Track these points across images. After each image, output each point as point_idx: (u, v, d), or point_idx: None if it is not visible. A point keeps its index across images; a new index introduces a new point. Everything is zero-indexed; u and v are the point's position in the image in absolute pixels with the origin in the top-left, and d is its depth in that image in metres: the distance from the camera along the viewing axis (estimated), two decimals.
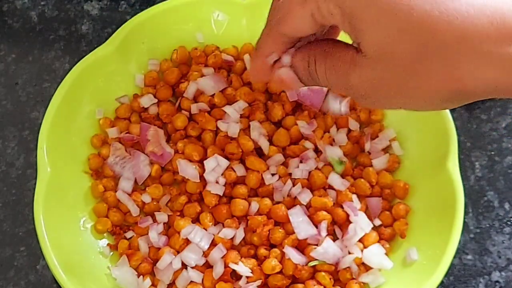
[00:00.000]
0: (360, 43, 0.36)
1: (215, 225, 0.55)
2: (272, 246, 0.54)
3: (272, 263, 0.52)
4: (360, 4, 0.35)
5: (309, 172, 0.56)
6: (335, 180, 0.55)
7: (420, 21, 0.33)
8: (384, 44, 0.35)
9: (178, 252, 0.53)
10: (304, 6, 0.37)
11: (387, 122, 0.59)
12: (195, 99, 0.59)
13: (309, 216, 0.54)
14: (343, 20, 0.36)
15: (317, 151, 0.57)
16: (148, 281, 0.53)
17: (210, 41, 0.61)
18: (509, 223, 0.58)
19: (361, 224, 0.53)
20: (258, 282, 0.52)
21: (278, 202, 0.55)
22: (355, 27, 0.36)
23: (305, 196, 0.54)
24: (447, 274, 0.51)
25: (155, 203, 0.56)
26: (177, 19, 0.60)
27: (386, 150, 0.58)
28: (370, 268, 0.53)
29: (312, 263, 0.52)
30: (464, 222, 0.53)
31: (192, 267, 0.53)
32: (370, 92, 0.37)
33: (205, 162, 0.55)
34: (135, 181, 0.57)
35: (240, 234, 0.54)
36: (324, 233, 0.53)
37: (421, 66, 0.34)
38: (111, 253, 0.55)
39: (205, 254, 0.53)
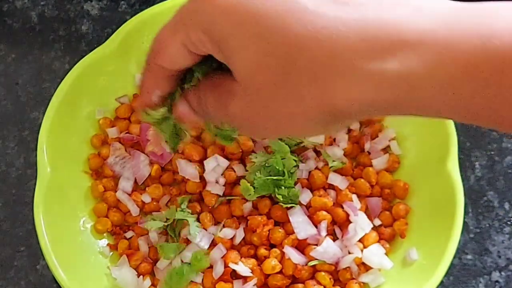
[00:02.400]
0: (233, 68, 0.34)
1: (215, 225, 0.55)
2: (272, 246, 0.54)
3: (272, 263, 0.52)
4: (227, 30, 0.33)
5: (309, 172, 0.56)
6: (335, 178, 0.55)
7: (286, 42, 0.31)
8: (252, 69, 0.33)
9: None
10: (174, 36, 0.36)
11: (387, 122, 0.59)
12: None
13: (309, 216, 0.54)
14: (213, 47, 0.34)
15: (317, 151, 0.57)
16: (148, 281, 0.53)
17: None
18: (509, 223, 0.58)
19: (361, 224, 0.53)
20: (255, 281, 0.52)
21: (278, 202, 0.55)
22: (225, 54, 0.34)
23: (305, 196, 0.54)
24: (447, 274, 0.51)
25: (155, 203, 0.56)
26: None
27: (386, 150, 0.58)
28: (370, 268, 0.53)
29: (312, 263, 0.52)
30: (464, 222, 0.53)
31: None
32: (247, 121, 0.36)
33: (205, 162, 0.55)
34: (135, 181, 0.57)
35: (240, 234, 0.54)
36: (324, 233, 0.53)
37: (290, 89, 0.32)
38: (111, 253, 0.55)
39: (205, 254, 0.53)
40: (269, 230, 0.53)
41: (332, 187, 0.56)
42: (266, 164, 0.54)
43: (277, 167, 0.53)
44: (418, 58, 0.30)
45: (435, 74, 0.30)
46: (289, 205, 0.53)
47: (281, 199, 0.53)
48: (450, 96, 0.30)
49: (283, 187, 0.53)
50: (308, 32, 0.31)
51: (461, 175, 0.53)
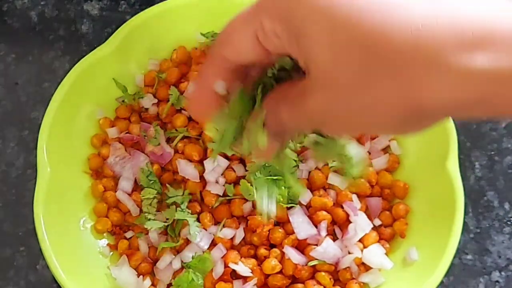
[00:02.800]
0: (308, 65, 0.33)
1: (215, 225, 0.55)
2: (272, 246, 0.54)
3: (272, 263, 0.52)
4: (307, 21, 0.31)
5: (309, 172, 0.56)
6: (335, 178, 0.55)
7: (369, 35, 0.30)
8: (333, 61, 0.32)
9: (178, 252, 0.53)
10: (246, 24, 0.34)
11: None
12: None
13: (309, 216, 0.54)
14: (289, 38, 0.33)
15: None
16: (148, 281, 0.53)
17: (210, 41, 0.61)
18: (509, 223, 0.58)
19: (361, 224, 0.53)
20: (255, 281, 0.52)
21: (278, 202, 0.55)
22: (302, 47, 0.32)
23: (305, 196, 0.54)
24: (447, 274, 0.51)
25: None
26: (177, 19, 0.60)
27: (386, 150, 0.58)
28: (370, 268, 0.53)
29: (312, 263, 0.52)
30: (464, 222, 0.53)
31: None
32: (327, 117, 0.34)
33: (205, 162, 0.55)
34: (135, 181, 0.57)
35: (240, 234, 0.54)
36: (324, 233, 0.53)
37: (374, 82, 0.31)
38: (111, 253, 0.55)
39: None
40: (269, 230, 0.53)
41: (332, 187, 0.56)
42: (266, 164, 0.54)
43: (277, 167, 0.53)
44: (508, 55, 0.29)
45: None
46: (289, 205, 0.53)
47: (281, 199, 0.53)
48: None
49: (283, 187, 0.53)
50: (393, 24, 0.30)
51: (461, 175, 0.53)
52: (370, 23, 0.30)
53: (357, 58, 0.31)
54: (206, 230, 0.54)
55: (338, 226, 0.54)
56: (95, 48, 0.58)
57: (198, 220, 0.55)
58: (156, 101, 0.59)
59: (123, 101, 0.59)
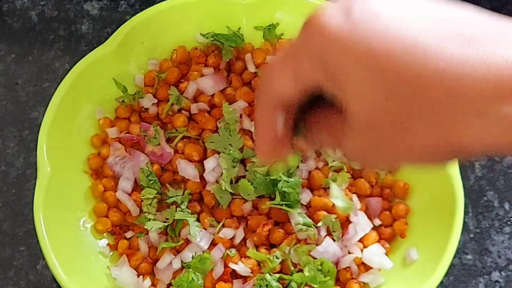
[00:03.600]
0: (347, 106, 0.33)
1: (212, 226, 0.55)
2: (272, 246, 0.54)
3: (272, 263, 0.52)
4: (346, 63, 0.31)
5: (309, 172, 0.56)
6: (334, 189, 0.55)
7: (410, 82, 0.30)
8: (370, 109, 0.32)
9: (178, 252, 0.53)
10: (285, 65, 0.34)
11: None
12: (195, 99, 0.59)
13: (309, 216, 0.54)
14: (327, 78, 0.33)
15: (317, 151, 0.57)
16: (148, 281, 0.53)
17: (210, 41, 0.61)
18: (509, 223, 0.58)
19: (361, 224, 0.53)
20: (253, 281, 0.52)
21: None
22: (339, 89, 0.33)
23: (305, 196, 0.54)
24: (447, 274, 0.51)
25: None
26: (177, 19, 0.60)
27: None
28: (370, 268, 0.53)
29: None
30: (464, 222, 0.53)
31: None
32: (363, 155, 0.35)
33: (205, 162, 0.55)
34: (135, 181, 0.57)
35: (240, 234, 0.54)
36: (324, 233, 0.53)
37: (410, 130, 0.32)
38: (111, 253, 0.55)
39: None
40: (269, 230, 0.53)
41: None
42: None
43: (277, 167, 0.53)
44: None
45: None
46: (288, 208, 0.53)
47: (281, 200, 0.53)
48: None
49: (283, 187, 0.53)
50: (431, 72, 0.30)
51: (461, 175, 0.53)
52: (407, 71, 0.30)
53: (395, 106, 0.31)
54: (206, 230, 0.54)
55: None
56: (95, 48, 0.58)
57: (198, 220, 0.55)
58: (156, 101, 0.59)
59: (123, 101, 0.59)
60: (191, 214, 0.54)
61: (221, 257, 0.53)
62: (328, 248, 0.52)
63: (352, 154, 0.36)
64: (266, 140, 0.37)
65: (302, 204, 0.54)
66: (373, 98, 0.32)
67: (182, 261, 0.53)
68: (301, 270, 0.52)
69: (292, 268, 0.52)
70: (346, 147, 0.35)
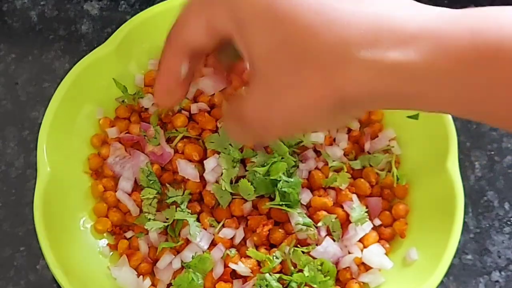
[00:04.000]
0: (249, 54, 0.36)
1: (212, 226, 0.55)
2: (272, 246, 0.54)
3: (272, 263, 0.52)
4: (250, 15, 0.34)
5: (309, 172, 0.56)
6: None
7: (301, 31, 0.33)
8: (266, 57, 0.34)
9: (178, 252, 0.53)
10: (200, 13, 0.37)
11: (387, 122, 0.59)
12: (195, 99, 0.59)
13: (309, 216, 0.54)
14: (236, 31, 0.36)
15: (317, 151, 0.57)
16: (148, 281, 0.53)
17: None
18: (509, 223, 0.58)
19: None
20: (253, 281, 0.52)
21: None
22: (245, 39, 0.35)
23: (305, 196, 0.54)
24: (447, 274, 0.51)
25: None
26: None
27: (386, 150, 0.58)
28: (370, 268, 0.53)
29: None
30: (464, 222, 0.53)
31: None
32: (264, 117, 0.37)
33: (205, 162, 0.55)
34: (135, 181, 0.57)
35: (240, 234, 0.54)
36: (324, 233, 0.53)
37: (302, 78, 0.34)
38: (111, 253, 0.55)
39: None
40: (269, 230, 0.53)
41: (332, 187, 0.56)
42: (266, 164, 0.54)
43: (277, 167, 0.53)
44: (417, 50, 0.32)
45: (432, 66, 0.32)
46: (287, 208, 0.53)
47: (280, 200, 0.53)
48: (446, 89, 0.32)
49: (283, 187, 0.53)
50: (322, 22, 0.33)
51: (461, 175, 0.53)
52: (301, 21, 0.33)
53: (288, 54, 0.34)
54: (206, 230, 0.54)
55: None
56: (95, 48, 0.58)
57: (198, 220, 0.55)
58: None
59: (123, 101, 0.59)
60: (191, 214, 0.54)
61: (221, 257, 0.53)
62: (328, 248, 0.52)
63: (253, 118, 0.37)
64: (166, 86, 0.40)
65: (302, 204, 0.54)
66: (270, 42, 0.34)
67: (182, 261, 0.53)
68: (301, 270, 0.52)
69: (292, 268, 0.52)
70: (247, 108, 0.37)
